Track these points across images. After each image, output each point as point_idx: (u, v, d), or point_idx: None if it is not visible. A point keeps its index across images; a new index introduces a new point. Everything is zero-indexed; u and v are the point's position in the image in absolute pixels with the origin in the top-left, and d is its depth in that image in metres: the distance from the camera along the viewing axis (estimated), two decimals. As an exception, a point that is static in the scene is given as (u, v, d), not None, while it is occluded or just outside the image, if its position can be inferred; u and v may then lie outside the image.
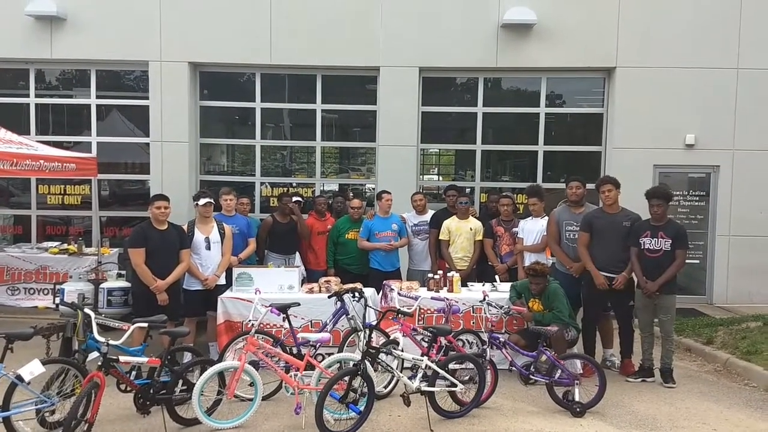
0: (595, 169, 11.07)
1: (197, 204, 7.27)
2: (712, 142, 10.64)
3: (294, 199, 8.99)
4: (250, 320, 6.14)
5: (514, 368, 6.49)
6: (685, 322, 9.05)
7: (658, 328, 7.08)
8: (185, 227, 7.25)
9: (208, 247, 7.24)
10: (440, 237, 8.35)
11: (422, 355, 5.93)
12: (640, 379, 7.00)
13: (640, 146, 10.63)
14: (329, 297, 6.92)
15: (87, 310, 5.60)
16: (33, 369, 4.81)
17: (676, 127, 10.62)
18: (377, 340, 6.42)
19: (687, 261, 7.16)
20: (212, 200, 7.27)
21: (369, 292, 7.26)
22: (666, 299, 6.89)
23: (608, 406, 6.15)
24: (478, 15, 10.74)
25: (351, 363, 5.71)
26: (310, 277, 8.37)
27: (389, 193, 8.60)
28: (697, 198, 10.95)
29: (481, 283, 7.72)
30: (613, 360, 7.43)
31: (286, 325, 6.50)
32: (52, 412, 5.19)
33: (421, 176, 11.51)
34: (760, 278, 10.61)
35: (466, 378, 6.03)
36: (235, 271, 7.36)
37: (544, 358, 6.27)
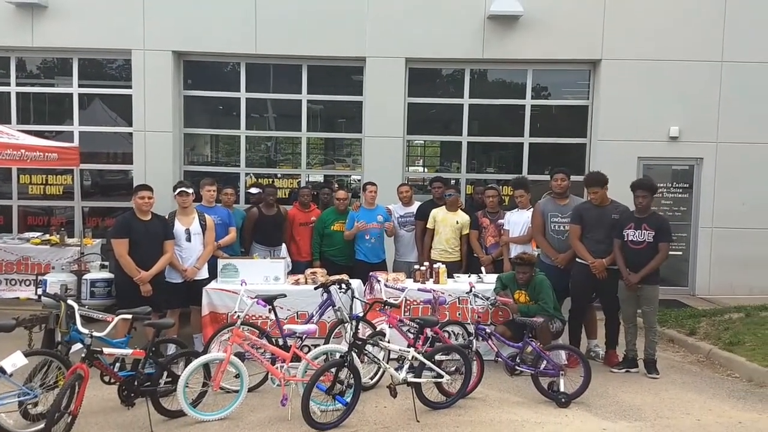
0: (580, 161, 11.12)
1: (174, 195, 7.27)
2: (695, 134, 10.70)
3: (254, 190, 9.05)
4: (235, 311, 6.11)
5: (499, 359, 6.53)
6: (668, 313, 9.13)
7: (641, 319, 7.14)
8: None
9: (189, 239, 7.20)
10: (427, 225, 8.34)
11: (409, 347, 5.94)
12: (624, 370, 7.06)
13: (624, 138, 10.67)
14: (315, 288, 6.90)
15: (70, 302, 5.53)
16: (15, 361, 4.75)
17: (661, 119, 10.68)
18: (364, 331, 6.43)
19: (670, 253, 7.22)
20: (188, 190, 7.21)
21: (355, 283, 7.24)
22: (649, 291, 6.94)
23: (593, 397, 6.19)
24: (464, 6, 10.70)
25: (337, 354, 5.70)
26: (293, 268, 8.33)
27: (374, 184, 8.57)
28: (681, 190, 11.04)
29: (467, 275, 7.73)
30: (598, 351, 7.48)
31: (272, 316, 6.46)
32: (35, 405, 5.13)
33: (407, 168, 11.47)
34: (742, 270, 10.70)
35: (452, 369, 6.04)
36: (220, 263, 7.32)
37: (529, 349, 6.30)
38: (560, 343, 6.99)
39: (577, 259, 7.28)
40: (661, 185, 10.68)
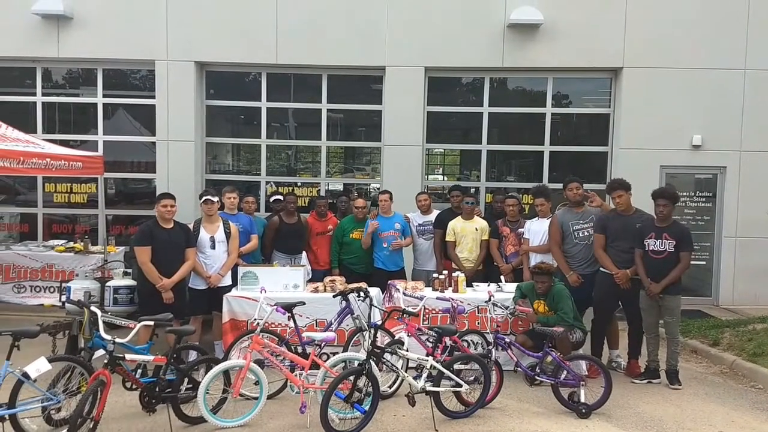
0: (601, 169, 11.05)
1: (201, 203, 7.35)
2: (719, 143, 10.59)
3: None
4: (255, 319, 6.15)
5: (519, 369, 6.48)
6: (690, 323, 9.02)
7: (663, 330, 7.07)
8: (191, 226, 7.29)
9: (213, 246, 7.28)
10: (446, 238, 8.31)
11: (427, 355, 5.94)
12: (645, 381, 6.98)
13: (646, 147, 10.59)
14: (334, 296, 6.91)
15: (93, 308, 5.62)
16: (39, 366, 4.82)
17: (683, 127, 10.58)
18: (382, 339, 6.44)
19: (693, 262, 7.13)
20: (213, 198, 7.28)
21: (374, 291, 7.24)
22: (671, 300, 6.85)
23: (614, 408, 6.13)
24: (484, 15, 10.72)
25: (356, 362, 5.71)
26: (311, 276, 8.34)
27: (386, 193, 8.59)
28: (704, 199, 10.91)
29: (487, 284, 7.70)
30: (619, 361, 7.41)
31: (291, 324, 6.48)
32: (58, 410, 5.21)
33: (426, 176, 11.49)
34: (766, 280, 10.55)
35: (471, 378, 6.03)
36: (241, 270, 7.38)
37: (549, 359, 6.25)
38: (581, 353, 6.92)
39: (601, 269, 7.23)
40: (684, 194, 10.61)
